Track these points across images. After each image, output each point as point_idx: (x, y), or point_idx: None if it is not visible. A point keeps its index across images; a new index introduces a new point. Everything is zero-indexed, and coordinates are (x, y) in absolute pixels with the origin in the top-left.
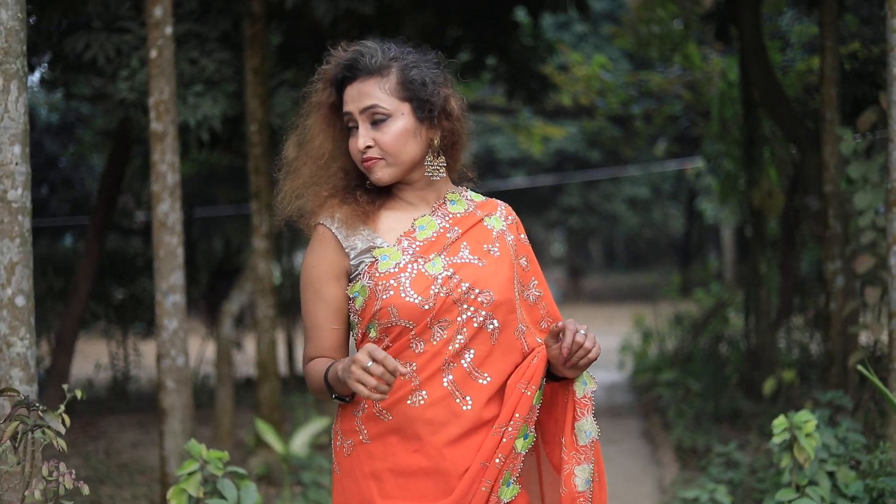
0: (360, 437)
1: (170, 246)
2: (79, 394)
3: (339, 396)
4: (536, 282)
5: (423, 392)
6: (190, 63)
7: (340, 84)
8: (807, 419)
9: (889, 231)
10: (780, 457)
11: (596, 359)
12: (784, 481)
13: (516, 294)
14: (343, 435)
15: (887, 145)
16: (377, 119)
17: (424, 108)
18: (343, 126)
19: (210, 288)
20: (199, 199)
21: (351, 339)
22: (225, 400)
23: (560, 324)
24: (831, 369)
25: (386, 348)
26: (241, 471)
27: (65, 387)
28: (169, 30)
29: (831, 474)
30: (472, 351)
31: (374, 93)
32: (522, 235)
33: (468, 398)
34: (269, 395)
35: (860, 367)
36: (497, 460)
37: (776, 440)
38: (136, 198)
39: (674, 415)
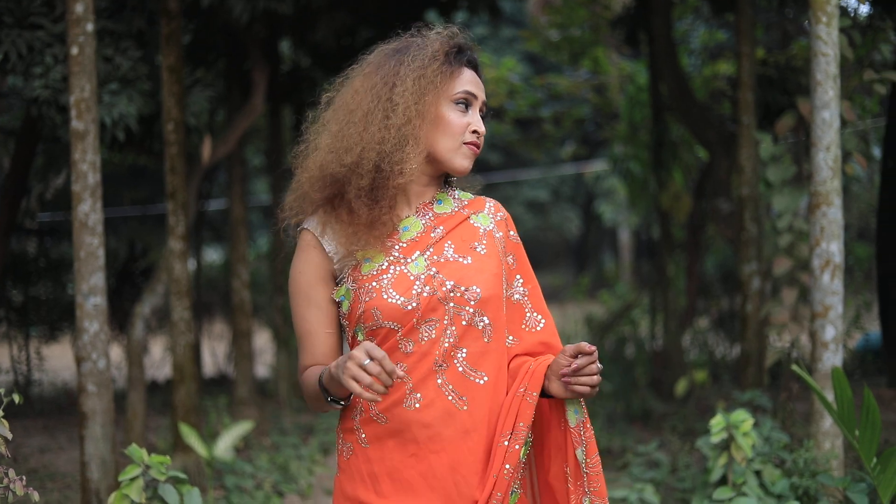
0: (359, 440)
1: (91, 247)
2: (16, 398)
3: (335, 400)
4: (522, 280)
5: (418, 394)
6: (105, 61)
7: (456, 61)
8: (743, 419)
9: (812, 233)
10: (717, 455)
11: (590, 394)
12: (713, 480)
13: (504, 290)
14: (343, 437)
15: (810, 150)
16: (484, 115)
17: None
18: (438, 99)
19: (114, 290)
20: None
21: (344, 344)
22: (136, 403)
23: (587, 346)
24: (747, 370)
25: None
26: (181, 475)
27: (0, 391)
28: (90, 26)
29: (757, 473)
30: (464, 350)
31: (483, 88)
32: (512, 232)
33: (464, 398)
34: (186, 399)
35: (795, 368)
36: (506, 470)
37: (714, 439)
38: (38, 198)
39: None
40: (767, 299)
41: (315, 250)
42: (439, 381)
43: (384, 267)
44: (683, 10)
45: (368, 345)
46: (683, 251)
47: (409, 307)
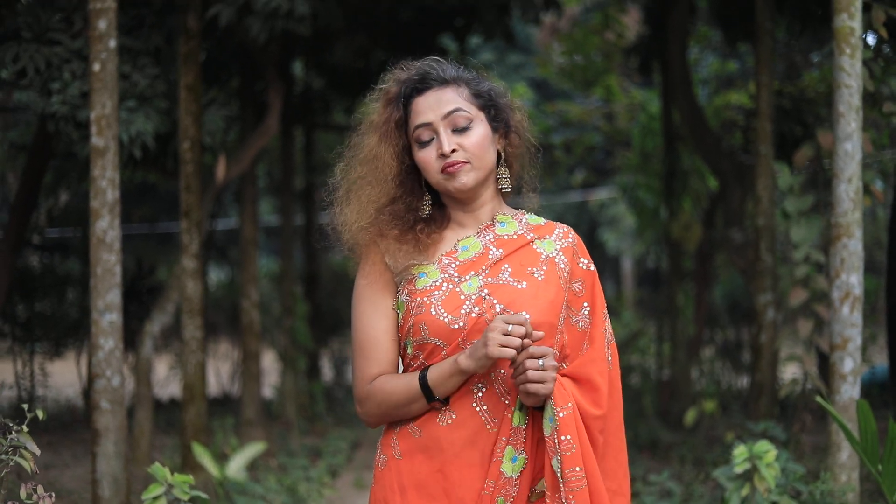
0: (393, 453)
1: (108, 263)
2: (40, 413)
3: (438, 400)
4: (589, 309)
5: (454, 414)
6: (122, 78)
7: (407, 99)
8: (766, 449)
9: (832, 265)
10: (738, 486)
11: (539, 394)
12: None
13: (561, 319)
14: (381, 449)
15: (831, 181)
16: (460, 125)
17: (499, 118)
18: (406, 144)
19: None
20: None
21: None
22: (144, 421)
23: (527, 341)
24: (760, 400)
25: (420, 365)
26: (203, 495)
27: (24, 406)
28: (113, 43)
29: None
30: (502, 371)
31: (455, 98)
32: (584, 259)
33: (496, 420)
34: (196, 418)
35: (820, 400)
36: (487, 485)
37: (738, 469)
38: (47, 214)
39: None
40: (781, 330)
41: (379, 261)
42: (475, 401)
43: (437, 283)
44: (695, 39)
45: (503, 316)
46: (692, 280)
47: (456, 326)
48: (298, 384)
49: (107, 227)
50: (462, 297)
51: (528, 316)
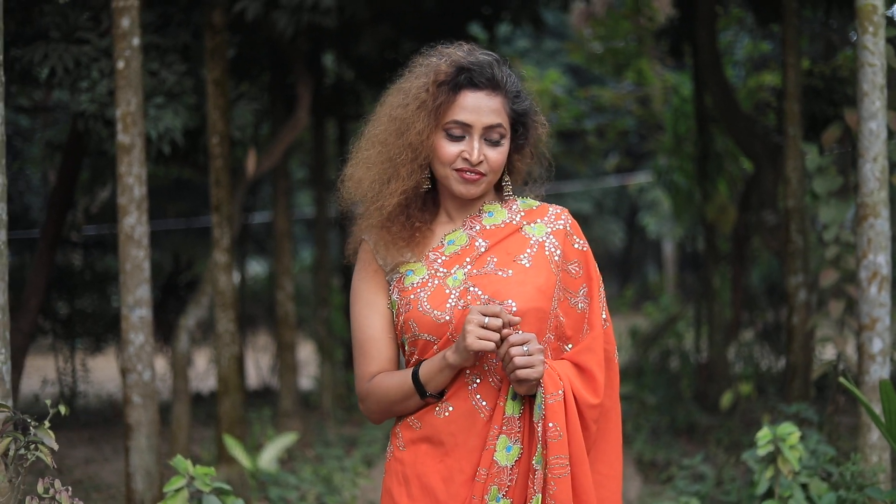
0: (398, 444)
1: (136, 259)
2: (62, 409)
3: (432, 395)
4: (586, 289)
5: (449, 405)
6: (150, 75)
7: (456, 86)
8: (790, 431)
9: (859, 245)
10: (763, 468)
11: (530, 379)
12: (758, 493)
13: (555, 303)
14: (390, 440)
15: (857, 160)
16: (493, 139)
17: (523, 136)
18: (435, 128)
19: (159, 303)
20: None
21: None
22: (181, 415)
23: (505, 331)
24: (793, 382)
25: (416, 361)
26: (226, 487)
27: (47, 402)
28: (136, 41)
29: (804, 486)
30: (495, 361)
31: (499, 111)
32: (579, 240)
33: (492, 410)
34: (231, 410)
35: (843, 381)
36: (480, 473)
37: (761, 452)
38: (84, 211)
39: (632, 429)
40: (814, 311)
41: (372, 261)
42: (470, 393)
43: (424, 280)
44: (727, 21)
45: (479, 307)
46: (729, 263)
47: (443, 320)
48: (336, 375)
49: (135, 224)
50: (447, 290)
51: (513, 303)
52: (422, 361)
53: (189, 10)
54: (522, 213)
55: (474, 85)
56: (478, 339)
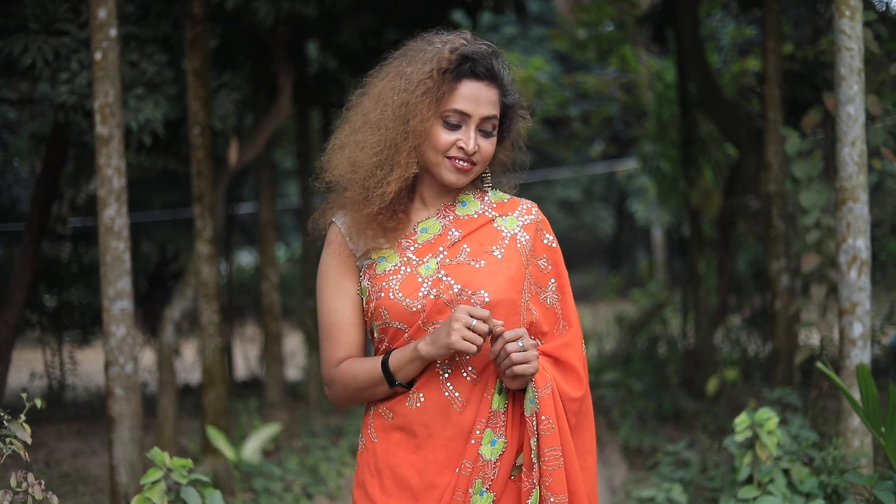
0: (370, 436)
1: (116, 251)
2: (38, 403)
3: (400, 384)
4: (556, 284)
5: (421, 395)
6: (130, 66)
7: (457, 75)
8: (768, 416)
9: (838, 229)
10: (742, 454)
11: (527, 375)
12: (740, 479)
13: (525, 296)
14: (361, 433)
15: (835, 144)
16: (487, 130)
17: (508, 128)
18: (434, 115)
19: (146, 294)
20: (130, 204)
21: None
22: (167, 407)
23: (498, 329)
24: (777, 367)
25: (386, 348)
26: (204, 478)
27: (24, 395)
28: (113, 32)
29: (786, 471)
30: (468, 355)
31: (495, 103)
32: (548, 235)
33: (463, 400)
34: (216, 402)
35: (820, 366)
36: (465, 466)
37: (738, 438)
38: (70, 203)
39: (618, 415)
40: (797, 296)
41: (342, 244)
42: (442, 382)
43: (396, 267)
44: (711, 6)
45: (467, 307)
46: (714, 249)
47: (415, 308)
48: None
49: (114, 215)
50: (420, 279)
51: (485, 294)
52: (391, 350)
53: (168, 0)
54: (494, 206)
55: (475, 75)
56: (463, 339)
